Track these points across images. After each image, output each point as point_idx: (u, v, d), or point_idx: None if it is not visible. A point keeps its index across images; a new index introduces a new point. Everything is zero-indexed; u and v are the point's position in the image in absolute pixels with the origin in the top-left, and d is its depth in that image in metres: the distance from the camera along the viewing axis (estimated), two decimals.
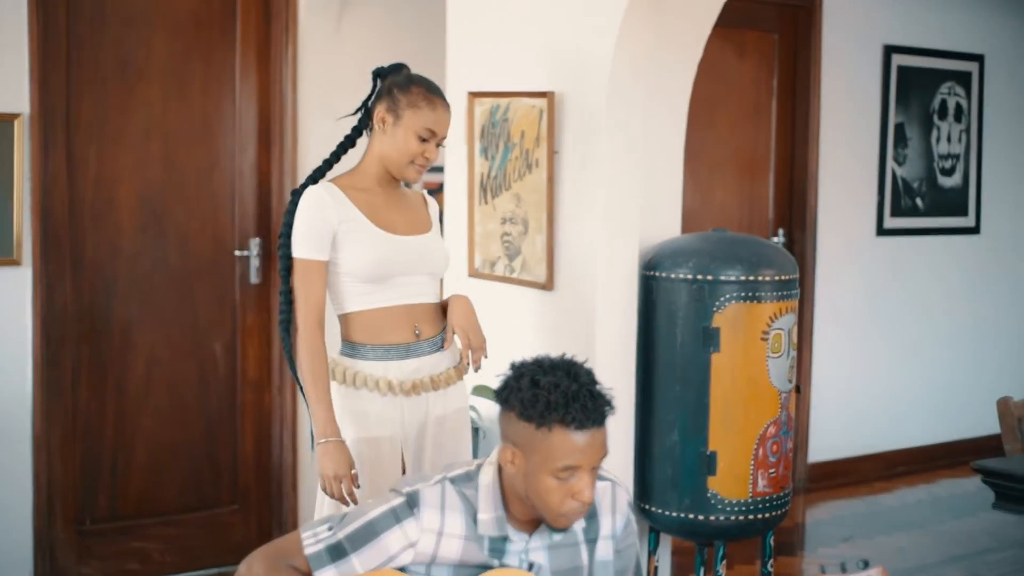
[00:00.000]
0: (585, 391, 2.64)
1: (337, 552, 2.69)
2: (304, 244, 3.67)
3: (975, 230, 8.00)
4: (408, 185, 3.90)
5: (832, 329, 7.33)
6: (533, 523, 2.76)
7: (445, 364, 3.80)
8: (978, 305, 8.07)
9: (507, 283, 4.67)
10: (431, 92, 3.76)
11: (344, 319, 3.77)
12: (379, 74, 3.83)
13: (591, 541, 2.83)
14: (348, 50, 5.92)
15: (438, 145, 3.76)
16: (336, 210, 3.67)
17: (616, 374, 4.38)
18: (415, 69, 5.95)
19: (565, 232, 4.46)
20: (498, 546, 2.73)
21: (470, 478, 2.76)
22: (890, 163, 7.52)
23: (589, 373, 2.70)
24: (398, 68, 3.83)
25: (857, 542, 6.27)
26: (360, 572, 2.67)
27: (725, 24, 6.03)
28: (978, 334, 8.08)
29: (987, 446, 7.57)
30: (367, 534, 2.68)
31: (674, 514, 4.40)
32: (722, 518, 4.36)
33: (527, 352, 3.38)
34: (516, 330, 4.63)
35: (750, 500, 4.37)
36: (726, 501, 4.35)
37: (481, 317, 4.78)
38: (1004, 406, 4.29)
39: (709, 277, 4.33)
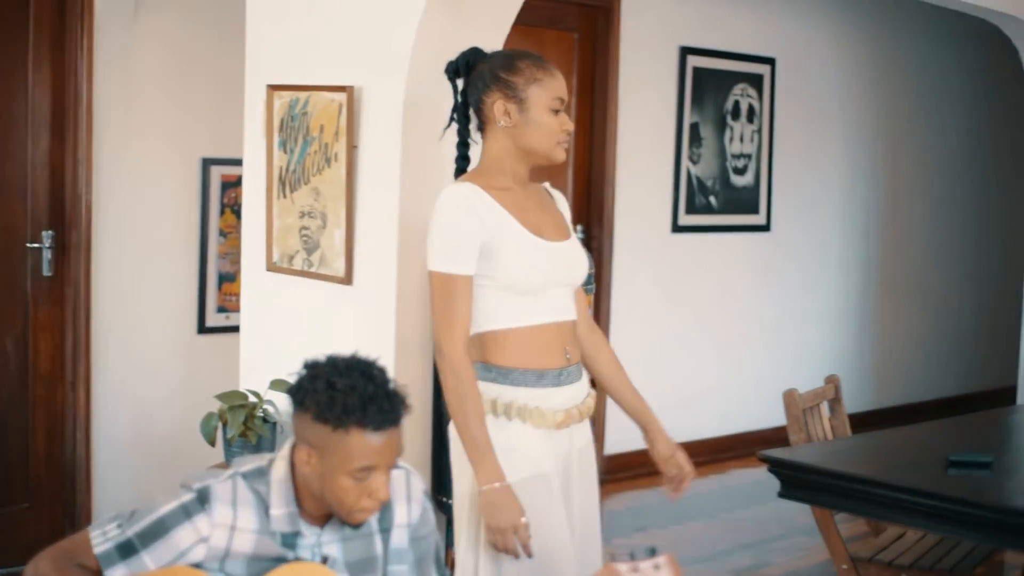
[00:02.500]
0: (381, 392, 2.65)
1: (127, 550, 2.66)
2: (447, 256, 3.23)
3: (766, 228, 8.24)
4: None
5: (628, 324, 7.46)
6: (325, 517, 2.77)
7: (585, 391, 3.47)
8: (768, 300, 8.31)
9: (305, 277, 4.66)
10: (538, 60, 3.34)
11: (486, 338, 3.30)
12: (456, 70, 3.48)
13: (385, 530, 2.85)
14: (145, 40, 5.82)
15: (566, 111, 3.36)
16: (485, 214, 3.24)
17: (414, 368, 4.41)
18: (213, 61, 5.94)
19: (364, 227, 4.47)
20: (290, 540, 2.73)
21: (262, 473, 2.76)
22: (685, 162, 7.70)
23: (383, 372, 2.71)
24: (478, 54, 3.44)
25: (651, 531, 6.41)
26: (151, 569, 2.65)
27: (525, 23, 6.10)
28: (768, 328, 8.32)
29: (776, 437, 7.79)
30: (157, 531, 2.66)
31: None
32: None
33: (327, 347, 3.38)
34: (315, 325, 4.63)
35: None
36: None
37: (279, 312, 4.78)
38: (790, 398, 4.44)
39: None
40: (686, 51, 7.63)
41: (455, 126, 3.63)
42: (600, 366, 3.62)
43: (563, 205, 3.53)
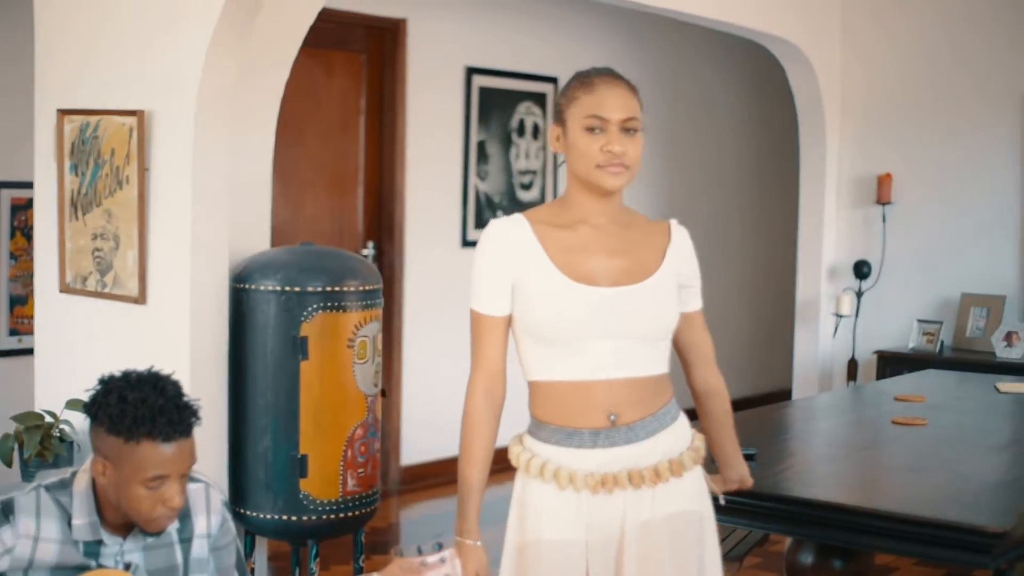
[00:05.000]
0: (171, 404, 2.78)
1: None
2: (477, 293, 2.99)
3: None
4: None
5: (420, 336, 7.62)
6: (127, 527, 2.88)
7: (653, 457, 2.98)
8: None
9: (99, 298, 4.73)
10: (589, 75, 2.97)
11: (529, 387, 3.05)
12: None
13: (185, 541, 2.97)
14: None
15: (627, 130, 2.92)
16: (517, 250, 2.95)
17: (209, 384, 4.52)
18: (3, 84, 5.91)
19: (157, 247, 4.56)
20: (93, 549, 2.84)
21: (64, 485, 2.86)
22: (473, 178, 7.91)
23: (176, 385, 2.85)
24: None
25: (449, 539, 6.55)
26: None
27: (314, 45, 6.25)
28: None
29: None
30: None
31: (268, 516, 4.57)
32: (315, 518, 4.57)
33: (122, 366, 3.47)
34: (109, 344, 4.70)
35: (341, 499, 4.59)
36: (318, 501, 4.56)
37: (73, 333, 4.84)
38: None
39: (296, 288, 4.53)
40: (472, 71, 7.85)
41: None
42: (703, 417, 3.33)
43: (677, 247, 3.09)
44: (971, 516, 3.45)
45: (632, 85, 3.00)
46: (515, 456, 3.04)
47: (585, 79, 2.96)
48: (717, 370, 3.32)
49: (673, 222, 3.14)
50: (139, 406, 2.74)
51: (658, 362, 3.02)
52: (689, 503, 3.02)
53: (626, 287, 2.95)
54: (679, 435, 3.06)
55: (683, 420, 3.11)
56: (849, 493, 3.88)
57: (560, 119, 2.98)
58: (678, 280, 3.06)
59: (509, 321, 3.00)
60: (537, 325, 2.93)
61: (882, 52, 7.72)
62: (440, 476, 7.70)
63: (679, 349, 3.22)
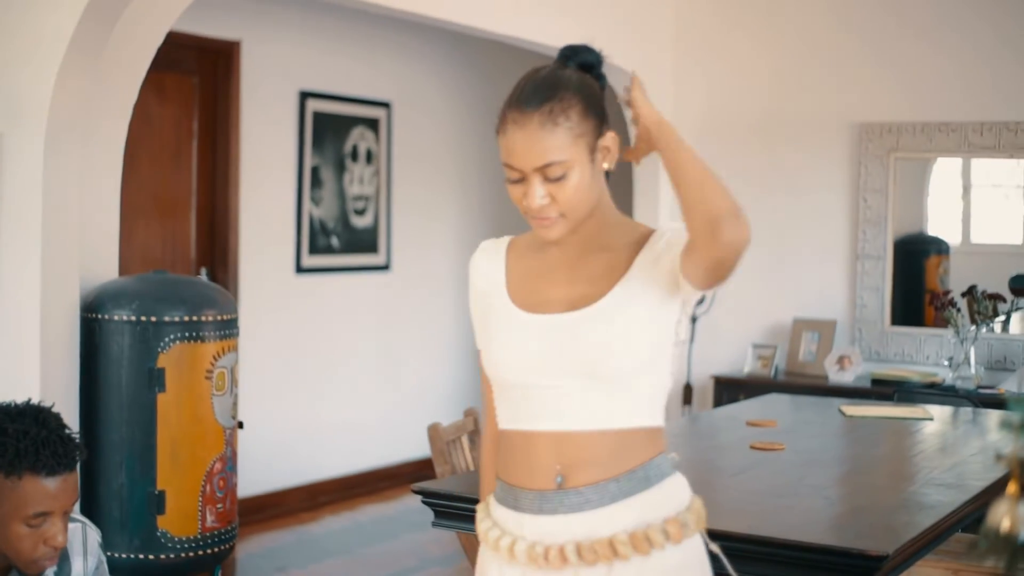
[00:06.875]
0: (55, 436, 2.67)
1: None
2: (475, 326, 2.60)
3: (386, 267, 8.43)
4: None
5: (256, 365, 7.48)
6: (3, 570, 2.74)
7: (609, 528, 2.35)
8: (392, 337, 8.49)
9: None
10: (506, 108, 2.41)
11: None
12: None
13: None
14: None
15: (553, 179, 2.35)
16: (488, 276, 2.53)
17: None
18: None
19: (3, 276, 4.38)
20: None
21: None
22: (307, 204, 7.80)
23: (57, 418, 2.73)
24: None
25: (290, 571, 6.45)
26: None
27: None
28: (393, 365, 8.50)
29: (404, 472, 8.00)
30: None
31: (125, 556, 4.41)
32: (173, 556, 4.42)
33: None
34: None
35: (200, 536, 4.45)
36: (176, 539, 4.41)
37: None
38: (434, 431, 4.60)
39: (153, 318, 4.39)
40: (306, 95, 7.75)
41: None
42: None
43: (650, 250, 2.42)
44: (851, 540, 3.48)
45: (554, 108, 2.35)
46: (479, 525, 2.53)
47: (501, 115, 2.42)
48: None
49: (662, 228, 2.47)
50: (21, 439, 2.62)
51: (624, 412, 2.39)
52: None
53: (575, 312, 2.39)
54: (655, 504, 2.39)
55: (668, 486, 2.44)
56: (727, 520, 3.88)
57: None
58: (655, 284, 2.39)
59: None
60: (484, 360, 2.50)
61: (714, 80, 7.85)
62: (276, 508, 7.57)
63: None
